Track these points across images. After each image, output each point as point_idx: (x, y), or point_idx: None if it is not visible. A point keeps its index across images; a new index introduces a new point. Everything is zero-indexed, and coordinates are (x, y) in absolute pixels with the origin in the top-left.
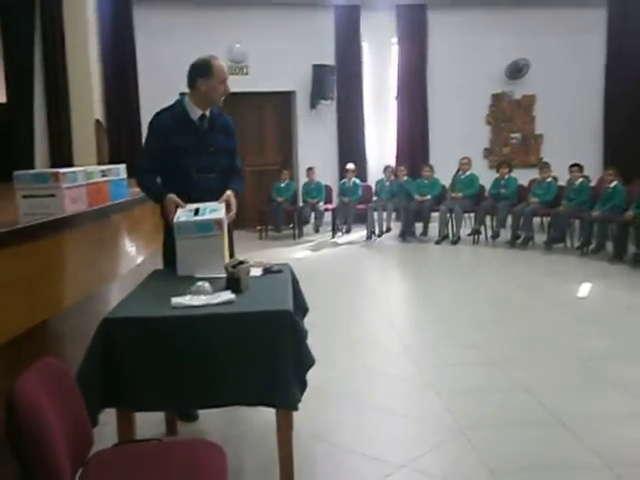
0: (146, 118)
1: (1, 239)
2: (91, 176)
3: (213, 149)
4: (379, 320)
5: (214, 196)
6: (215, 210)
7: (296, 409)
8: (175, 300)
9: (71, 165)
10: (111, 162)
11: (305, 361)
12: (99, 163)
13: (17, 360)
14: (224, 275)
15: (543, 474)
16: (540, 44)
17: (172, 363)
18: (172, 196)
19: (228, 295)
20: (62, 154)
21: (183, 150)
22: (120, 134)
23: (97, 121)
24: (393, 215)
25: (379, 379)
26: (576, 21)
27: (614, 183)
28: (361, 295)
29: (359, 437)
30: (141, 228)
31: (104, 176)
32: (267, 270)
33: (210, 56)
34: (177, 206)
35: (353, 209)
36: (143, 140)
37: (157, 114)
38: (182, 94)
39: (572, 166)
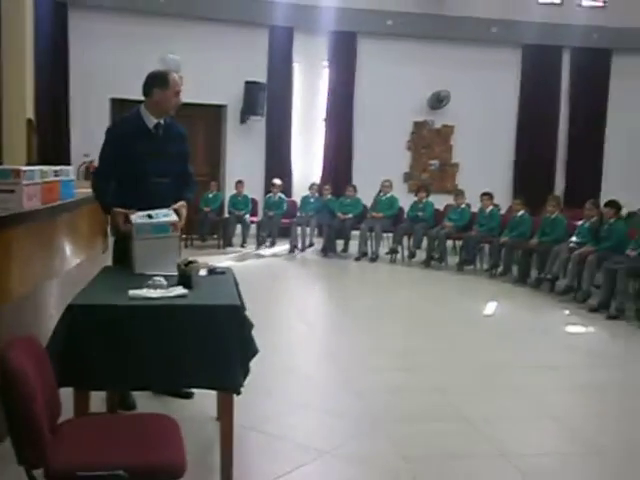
0: (75, 119)
1: None
2: (45, 175)
3: (167, 155)
4: (301, 327)
5: (167, 199)
6: (167, 215)
7: (239, 393)
8: (132, 292)
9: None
10: (39, 162)
11: (250, 350)
12: (28, 162)
13: None
14: (175, 273)
15: (449, 461)
16: (460, 78)
17: (128, 348)
18: (118, 209)
19: (181, 290)
20: None
21: (139, 156)
22: (48, 134)
23: (28, 120)
24: (316, 231)
25: (302, 379)
26: (494, 59)
27: (521, 212)
28: (284, 304)
29: (287, 428)
30: (82, 229)
31: (56, 176)
32: (212, 271)
33: (167, 69)
34: (126, 215)
35: (278, 223)
36: (71, 139)
37: (114, 124)
38: (112, 100)
39: (483, 195)
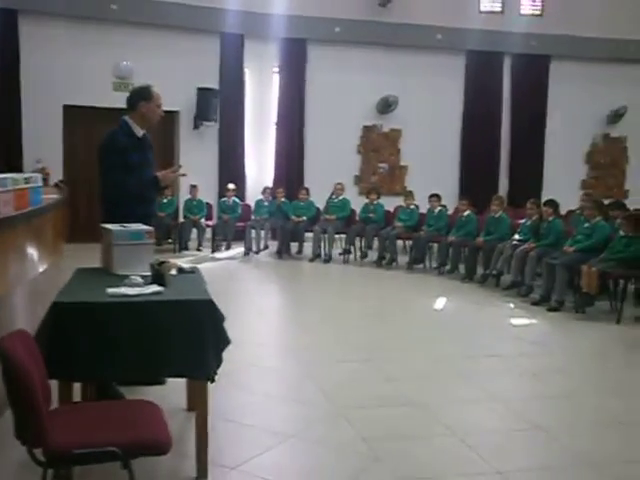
0: (27, 126)
1: None
2: (17, 182)
3: (151, 163)
4: (261, 324)
5: (152, 206)
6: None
7: (213, 380)
8: (111, 290)
9: None
10: None
11: (222, 341)
12: None
13: None
14: (148, 273)
15: (406, 441)
16: (407, 83)
17: (108, 342)
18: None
19: (156, 287)
20: None
21: (135, 164)
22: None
23: None
24: (270, 234)
25: (265, 371)
26: (439, 65)
27: (467, 212)
28: (242, 303)
29: (253, 416)
30: (48, 234)
31: (27, 183)
32: (181, 270)
33: (148, 84)
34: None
35: (232, 226)
36: (23, 145)
37: (111, 136)
38: (65, 106)
39: (431, 196)
